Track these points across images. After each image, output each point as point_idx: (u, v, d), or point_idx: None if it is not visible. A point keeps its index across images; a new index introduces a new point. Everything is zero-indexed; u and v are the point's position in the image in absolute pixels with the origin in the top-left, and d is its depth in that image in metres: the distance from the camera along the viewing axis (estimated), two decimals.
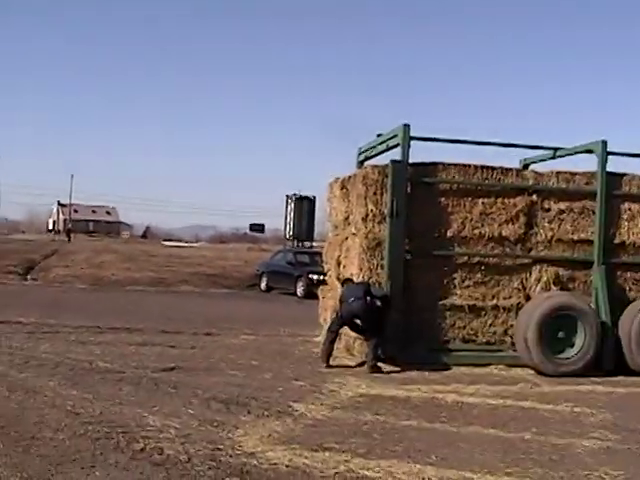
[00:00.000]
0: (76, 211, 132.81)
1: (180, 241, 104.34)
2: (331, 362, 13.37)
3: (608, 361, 14.00)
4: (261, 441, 8.09)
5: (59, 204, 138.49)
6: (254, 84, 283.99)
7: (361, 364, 13.38)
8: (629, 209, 14.83)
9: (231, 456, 7.48)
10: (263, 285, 34.25)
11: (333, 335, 13.54)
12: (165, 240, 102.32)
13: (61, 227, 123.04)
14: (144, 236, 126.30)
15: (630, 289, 14.83)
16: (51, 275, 36.04)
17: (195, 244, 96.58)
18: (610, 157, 14.74)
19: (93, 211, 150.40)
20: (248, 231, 70.20)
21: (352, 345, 14.17)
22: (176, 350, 14.40)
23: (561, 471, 7.56)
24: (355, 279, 14.05)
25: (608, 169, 14.71)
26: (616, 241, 14.77)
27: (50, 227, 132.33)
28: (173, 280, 35.80)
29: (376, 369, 12.99)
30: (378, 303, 13.30)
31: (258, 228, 60.62)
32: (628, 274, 14.84)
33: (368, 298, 13.18)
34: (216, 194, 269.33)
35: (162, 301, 26.94)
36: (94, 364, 12.32)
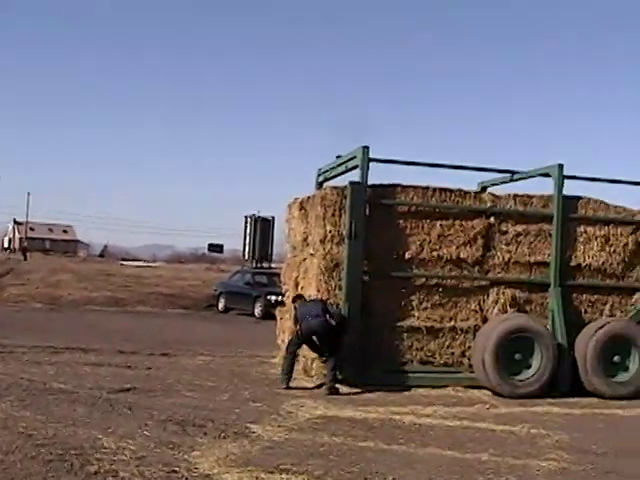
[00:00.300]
0: (32, 229, 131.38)
1: (138, 260, 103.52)
2: (290, 383, 13.32)
3: (564, 382, 14.11)
4: (217, 463, 8.02)
5: (15, 222, 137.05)
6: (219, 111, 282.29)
7: (319, 386, 13.35)
8: (585, 232, 14.98)
9: (187, 478, 7.41)
10: (221, 305, 34.08)
11: (292, 355, 13.50)
12: (122, 259, 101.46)
13: (17, 245, 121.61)
14: (101, 255, 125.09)
15: (586, 311, 14.97)
16: (5, 294, 35.56)
17: (153, 264, 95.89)
18: (566, 181, 14.89)
19: (50, 229, 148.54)
20: (206, 251, 69.91)
21: (310, 366, 14.13)
22: (132, 371, 14.28)
23: None
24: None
25: (564, 192, 14.85)
26: (572, 264, 14.90)
27: (5, 245, 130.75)
28: (130, 300, 35.51)
29: (334, 391, 12.96)
30: (334, 322, 13.29)
31: (216, 248, 60.35)
32: (584, 296, 14.98)
33: (327, 316, 13.17)
34: (175, 214, 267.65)
35: (119, 321, 26.74)
36: (48, 385, 12.16)
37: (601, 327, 14.23)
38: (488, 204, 14.81)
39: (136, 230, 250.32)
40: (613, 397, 13.89)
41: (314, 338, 13.38)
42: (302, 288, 15.31)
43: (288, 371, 13.38)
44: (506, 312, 14.47)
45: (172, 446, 8.61)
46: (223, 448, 8.68)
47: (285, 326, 16.17)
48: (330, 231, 14.10)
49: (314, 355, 13.83)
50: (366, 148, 14.22)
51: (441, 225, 14.45)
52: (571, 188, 15.05)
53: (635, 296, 15.20)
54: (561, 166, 14.78)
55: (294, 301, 13.95)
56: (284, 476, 7.64)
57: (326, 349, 13.34)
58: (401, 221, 14.34)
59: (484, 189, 17.02)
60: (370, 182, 14.29)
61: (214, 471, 7.70)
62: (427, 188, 14.54)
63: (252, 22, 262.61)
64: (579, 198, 15.14)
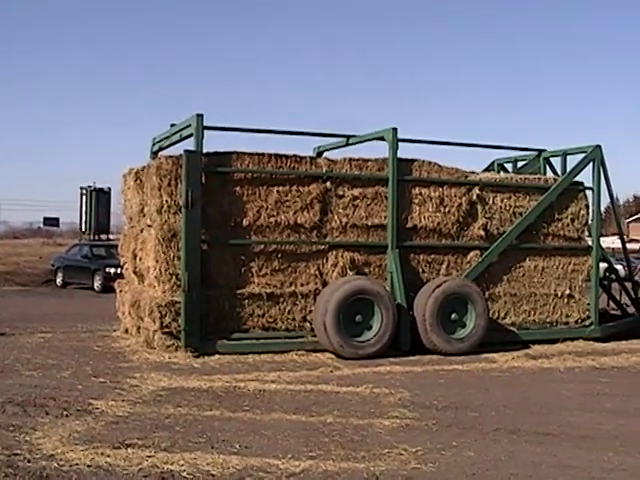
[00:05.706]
0: None
1: None
2: (132, 357, 13.21)
3: (405, 342, 14.43)
4: (61, 442, 7.84)
5: None
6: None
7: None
8: (420, 194, 15.28)
9: (29, 461, 7.21)
10: (59, 280, 33.29)
11: None
12: None
13: None
14: None
15: (423, 271, 15.31)
16: None
17: None
18: (401, 144, 15.13)
19: None
20: (42, 225, 68.44)
21: (152, 338, 13.99)
22: None
23: (362, 451, 7.72)
24: (152, 271, 13.93)
25: (399, 155, 15.09)
26: (408, 225, 15.19)
27: None
28: None
29: None
30: None
31: (52, 222, 59.18)
32: (421, 257, 15.31)
33: None
34: (7, 187, 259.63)
35: None
36: None
37: (438, 286, 14.57)
38: (324, 169, 14.89)
39: None
40: (453, 353, 14.27)
41: None
42: (140, 259, 15.15)
43: None
44: (345, 275, 14.64)
45: (12, 429, 8.38)
46: (66, 427, 8.50)
47: (125, 298, 15.96)
48: (167, 201, 13.96)
49: (156, 327, 13.71)
50: (200, 116, 14.07)
51: (278, 191, 14.47)
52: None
53: (470, 255, 15.64)
54: (395, 129, 14.99)
55: None
56: (130, 451, 7.55)
57: None
58: (238, 188, 14.30)
59: (320, 154, 17.16)
60: (206, 150, 14.18)
61: (58, 451, 7.52)
62: (263, 155, 14.52)
63: None
64: (413, 161, 15.42)
